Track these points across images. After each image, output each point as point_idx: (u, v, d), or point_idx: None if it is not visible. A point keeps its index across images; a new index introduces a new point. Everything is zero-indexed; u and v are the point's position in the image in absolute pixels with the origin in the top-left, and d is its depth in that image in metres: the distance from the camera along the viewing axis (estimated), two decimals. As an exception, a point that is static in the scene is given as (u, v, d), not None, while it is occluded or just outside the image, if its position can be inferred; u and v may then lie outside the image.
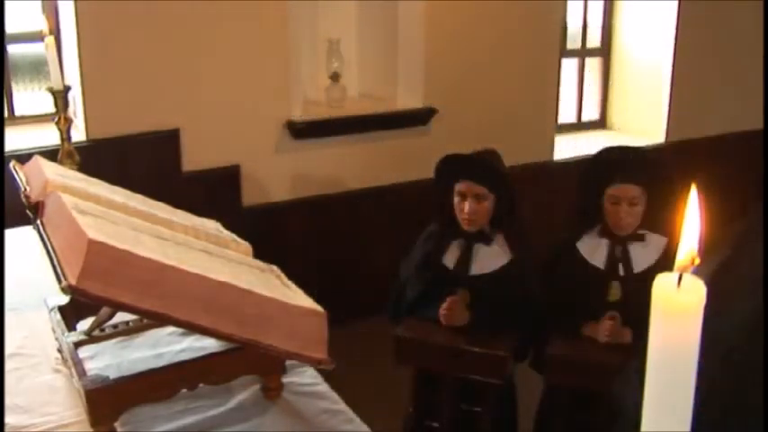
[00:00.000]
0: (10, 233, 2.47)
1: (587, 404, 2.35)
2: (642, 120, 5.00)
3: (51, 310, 1.80)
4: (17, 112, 3.61)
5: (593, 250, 2.50)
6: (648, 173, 2.42)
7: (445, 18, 4.01)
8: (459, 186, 2.46)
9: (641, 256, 2.45)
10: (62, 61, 3.30)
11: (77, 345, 1.69)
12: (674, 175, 2.41)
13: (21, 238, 2.48)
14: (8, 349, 1.83)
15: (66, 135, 2.80)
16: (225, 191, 3.69)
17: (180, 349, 1.76)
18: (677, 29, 4.75)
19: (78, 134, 3.34)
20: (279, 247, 3.33)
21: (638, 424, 0.70)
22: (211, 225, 1.95)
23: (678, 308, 0.67)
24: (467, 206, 2.44)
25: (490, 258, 2.51)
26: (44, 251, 1.45)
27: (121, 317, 1.74)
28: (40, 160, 1.92)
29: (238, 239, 1.89)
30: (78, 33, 3.29)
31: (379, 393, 2.95)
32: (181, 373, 1.58)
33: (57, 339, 1.76)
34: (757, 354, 0.88)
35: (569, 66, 4.90)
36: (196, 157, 3.60)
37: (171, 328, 1.76)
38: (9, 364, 1.77)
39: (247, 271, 1.65)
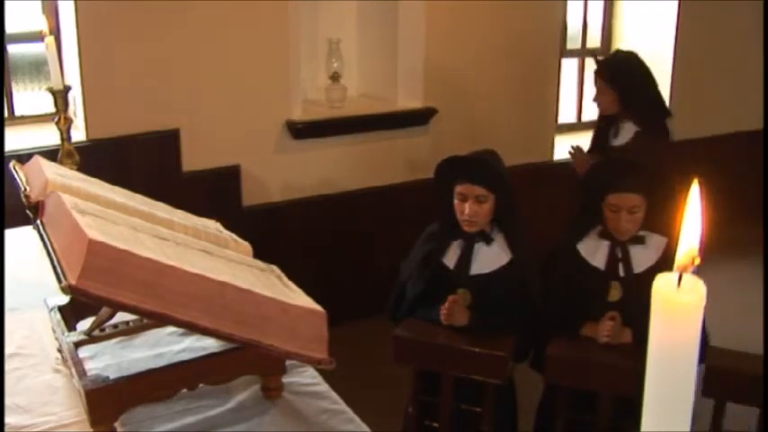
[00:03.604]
0: (10, 233, 2.47)
1: (587, 404, 2.35)
2: (642, 120, 4.99)
3: (51, 310, 1.80)
4: (17, 112, 3.61)
5: (594, 251, 2.50)
6: (648, 181, 2.42)
7: (445, 18, 4.01)
8: (459, 188, 2.46)
9: (642, 257, 2.46)
10: (62, 61, 3.29)
11: (77, 345, 1.69)
12: (674, 180, 2.41)
13: (21, 238, 2.48)
14: (8, 349, 1.83)
15: (66, 135, 2.80)
16: (225, 191, 3.69)
17: (180, 349, 1.76)
18: (677, 29, 4.75)
19: (78, 134, 3.34)
20: (279, 247, 3.33)
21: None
22: (211, 225, 1.95)
23: (678, 308, 0.67)
24: (467, 208, 2.44)
25: (490, 258, 2.51)
26: (44, 251, 1.45)
27: (121, 317, 1.74)
28: (40, 160, 1.92)
29: (238, 239, 1.89)
30: (78, 33, 3.29)
31: (379, 393, 2.95)
32: (181, 373, 1.59)
33: (57, 339, 1.76)
34: None
35: (569, 66, 4.89)
36: (196, 157, 3.60)
37: (171, 328, 1.76)
38: (9, 364, 1.77)
39: (247, 271, 1.65)
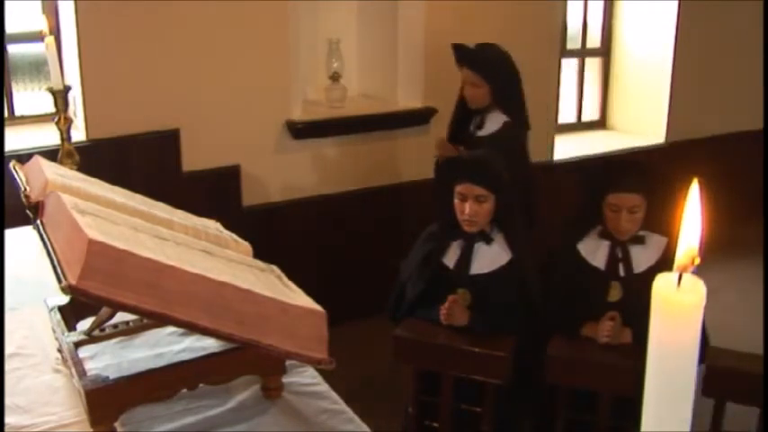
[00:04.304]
0: (10, 233, 2.47)
1: (587, 404, 2.35)
2: (642, 120, 5.00)
3: (51, 310, 1.80)
4: (17, 112, 3.61)
5: (594, 251, 2.50)
6: (648, 181, 2.42)
7: (445, 18, 4.00)
8: (459, 188, 2.46)
9: (642, 257, 2.46)
10: (62, 61, 3.29)
11: (77, 345, 1.69)
12: (674, 181, 2.41)
13: (21, 238, 2.48)
14: (8, 349, 1.83)
15: (66, 135, 2.80)
16: (225, 191, 3.69)
17: (180, 349, 1.76)
18: (677, 29, 4.75)
19: (78, 134, 3.34)
20: (279, 247, 3.33)
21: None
22: (211, 225, 1.95)
23: (678, 308, 0.67)
24: (467, 208, 2.44)
25: (490, 258, 2.51)
26: (44, 251, 1.45)
27: (121, 317, 1.74)
28: (40, 160, 1.92)
29: (238, 239, 1.89)
30: (78, 33, 3.29)
31: (379, 393, 2.95)
32: (181, 373, 1.59)
33: (57, 339, 1.76)
34: None
35: (569, 66, 4.89)
36: (196, 157, 3.60)
37: (171, 328, 1.76)
38: (9, 364, 1.77)
39: (247, 271, 1.65)
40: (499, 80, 3.24)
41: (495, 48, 3.31)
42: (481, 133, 3.27)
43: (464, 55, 3.27)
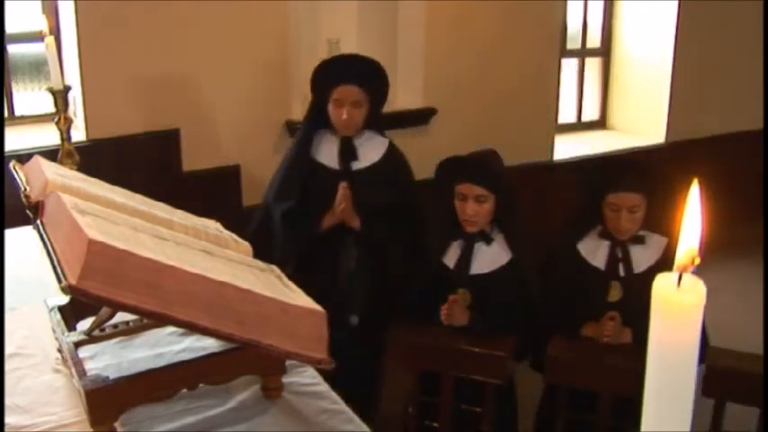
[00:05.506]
0: (10, 233, 2.47)
1: (587, 404, 2.35)
2: (642, 120, 5.00)
3: (51, 310, 1.80)
4: (17, 112, 3.61)
5: (594, 251, 2.50)
6: (649, 181, 2.42)
7: (445, 18, 4.00)
8: (459, 188, 2.46)
9: (642, 257, 2.46)
10: (62, 61, 3.29)
11: (77, 345, 1.69)
12: (674, 181, 2.41)
13: (21, 238, 2.48)
14: (8, 349, 1.83)
15: (66, 135, 2.80)
16: (225, 191, 3.69)
17: (180, 349, 1.76)
18: (677, 29, 4.75)
19: (78, 134, 3.34)
20: (279, 247, 3.32)
21: None
22: (211, 225, 1.95)
23: (678, 308, 0.67)
24: (468, 208, 2.45)
25: (490, 258, 2.51)
26: (44, 251, 1.45)
27: (121, 317, 1.74)
28: (40, 160, 1.92)
29: (238, 239, 1.89)
30: (78, 33, 3.29)
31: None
32: (181, 373, 1.59)
33: (57, 339, 1.76)
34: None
35: (569, 66, 4.89)
36: (196, 157, 3.60)
37: (171, 328, 1.76)
38: (9, 364, 1.78)
39: (247, 271, 1.65)
40: (380, 94, 2.76)
41: (371, 58, 2.79)
42: (362, 164, 2.74)
43: (351, 67, 2.71)
